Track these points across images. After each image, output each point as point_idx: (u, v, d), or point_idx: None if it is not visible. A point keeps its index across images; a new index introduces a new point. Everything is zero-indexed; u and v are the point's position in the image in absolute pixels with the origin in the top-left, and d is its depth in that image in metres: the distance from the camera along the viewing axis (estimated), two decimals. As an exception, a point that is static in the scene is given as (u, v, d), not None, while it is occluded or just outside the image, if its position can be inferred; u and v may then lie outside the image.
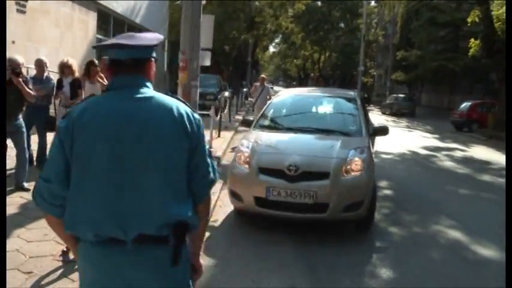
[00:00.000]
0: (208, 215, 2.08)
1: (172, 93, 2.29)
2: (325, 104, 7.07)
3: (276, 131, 6.25)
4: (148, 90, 1.88)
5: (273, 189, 5.03)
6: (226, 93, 21.75)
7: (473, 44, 18.14)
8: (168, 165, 1.78)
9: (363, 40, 41.11)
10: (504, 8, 16.85)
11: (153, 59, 1.97)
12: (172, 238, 1.77)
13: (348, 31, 51.53)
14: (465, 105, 22.63)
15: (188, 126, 1.83)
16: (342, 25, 55.07)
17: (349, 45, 51.24)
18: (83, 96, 7.35)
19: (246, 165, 5.37)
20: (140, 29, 22.47)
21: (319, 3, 53.85)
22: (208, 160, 1.92)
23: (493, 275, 4.55)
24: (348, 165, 5.18)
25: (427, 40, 32.16)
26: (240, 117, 20.24)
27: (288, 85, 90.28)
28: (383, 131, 6.69)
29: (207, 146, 1.96)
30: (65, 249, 3.96)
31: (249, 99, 21.82)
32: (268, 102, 7.11)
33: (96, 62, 8.22)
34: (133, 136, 1.76)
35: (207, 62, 10.04)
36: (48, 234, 4.41)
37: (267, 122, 6.60)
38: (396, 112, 32.35)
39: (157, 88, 1.92)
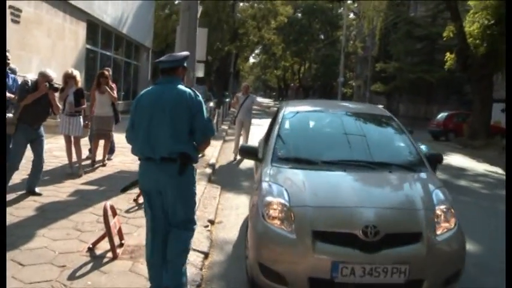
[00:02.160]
0: (204, 147, 3.79)
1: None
2: (358, 124, 5.07)
3: (309, 166, 4.23)
4: (175, 84, 3.52)
5: (343, 266, 3.37)
6: (211, 104, 22.18)
7: (449, 57, 19.00)
8: (175, 124, 3.40)
9: (343, 52, 42.07)
10: (476, 25, 17.76)
11: (180, 67, 3.63)
12: (178, 160, 3.39)
13: (328, 43, 52.60)
14: (442, 115, 23.56)
15: (191, 103, 3.43)
16: (322, 37, 56.17)
17: (329, 56, 52.28)
18: (85, 105, 7.78)
19: (288, 227, 3.58)
20: (127, 39, 22.84)
21: (299, 15, 54.88)
22: (205, 124, 3.49)
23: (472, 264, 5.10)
24: (437, 217, 3.71)
25: (404, 52, 33.26)
26: (226, 127, 20.77)
27: (268, 96, 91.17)
28: (438, 159, 5.02)
29: (206, 115, 3.53)
30: (90, 245, 4.36)
31: (232, 109, 22.14)
32: (277, 123, 4.86)
33: (106, 73, 8.69)
34: (160, 107, 3.43)
35: (201, 74, 10.54)
36: (70, 233, 4.81)
37: (289, 153, 4.52)
38: (375, 122, 33.11)
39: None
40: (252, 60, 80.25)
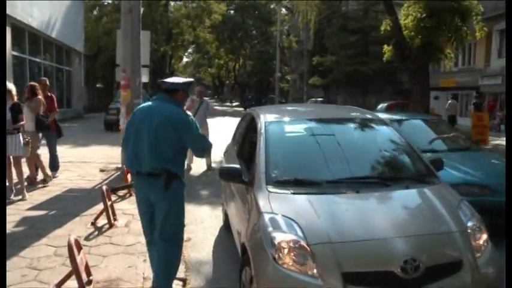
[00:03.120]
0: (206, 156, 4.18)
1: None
2: (351, 133, 4.57)
3: (313, 189, 3.53)
4: (168, 104, 3.67)
5: None
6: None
7: (387, 49, 19.34)
8: (158, 142, 3.55)
9: (278, 47, 42.32)
10: (410, 18, 18.21)
11: (180, 90, 3.76)
12: (164, 175, 3.57)
13: (262, 39, 52.67)
14: (382, 106, 24.16)
15: (176, 124, 3.57)
16: (256, 33, 56.12)
17: (264, 52, 52.40)
18: (24, 121, 7.01)
19: (309, 270, 2.92)
20: (56, 44, 21.47)
21: (232, 12, 54.51)
22: (195, 142, 3.72)
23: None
24: (472, 237, 3.22)
25: (339, 46, 33.88)
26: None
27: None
28: (439, 165, 4.29)
29: (196, 132, 3.67)
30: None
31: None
32: (261, 136, 4.08)
33: (34, 84, 7.92)
34: (146, 124, 3.60)
35: (146, 79, 9.91)
36: (26, 274, 4.24)
37: (285, 174, 3.74)
38: (315, 115, 33.56)
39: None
40: (185, 59, 79.26)
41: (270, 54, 50.10)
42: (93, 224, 5.56)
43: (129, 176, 7.42)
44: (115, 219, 5.66)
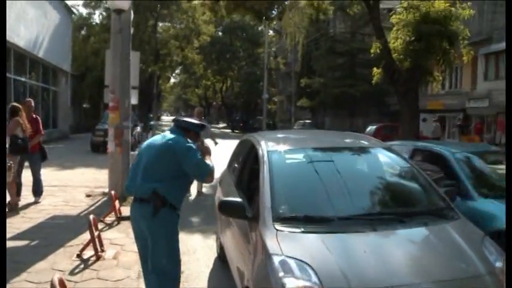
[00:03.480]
0: (210, 180, 3.80)
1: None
2: (361, 164, 4.36)
3: (324, 226, 3.19)
4: (175, 135, 3.72)
5: None
6: (138, 128, 21.08)
7: (376, 72, 19.39)
8: (154, 163, 3.60)
9: (266, 68, 42.41)
10: (399, 41, 18.35)
11: (193, 132, 3.84)
12: (152, 201, 3.51)
13: (250, 60, 52.85)
14: (371, 128, 24.15)
15: (176, 148, 3.59)
16: (243, 54, 56.31)
17: (251, 73, 52.50)
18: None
19: None
20: (43, 63, 21.13)
21: (220, 33, 54.70)
22: (195, 167, 3.60)
23: None
24: (500, 279, 2.94)
25: (327, 68, 34.04)
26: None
27: (185, 115, 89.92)
28: (453, 195, 4.28)
29: (196, 158, 3.60)
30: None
31: None
32: (264, 166, 3.73)
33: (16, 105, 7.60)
34: (149, 149, 3.73)
35: (135, 100, 9.64)
36: None
37: (293, 210, 3.39)
38: (304, 137, 33.49)
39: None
40: (172, 80, 79.24)
41: (258, 76, 50.21)
42: (78, 256, 5.18)
43: (117, 203, 7.08)
44: (102, 251, 5.32)
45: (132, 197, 3.82)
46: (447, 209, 3.60)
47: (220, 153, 9.81)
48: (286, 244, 2.94)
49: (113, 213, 6.92)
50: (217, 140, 10.32)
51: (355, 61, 33.24)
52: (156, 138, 3.83)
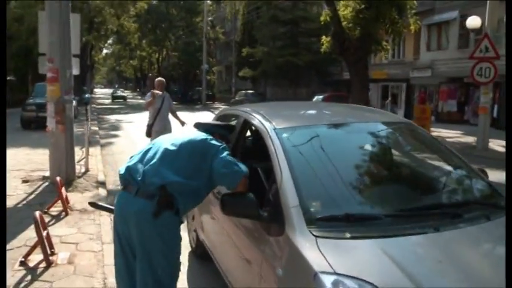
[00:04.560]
0: (240, 187, 2.79)
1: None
2: (390, 143, 3.50)
3: (373, 228, 2.40)
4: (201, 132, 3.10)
5: None
6: (74, 103, 19.43)
7: (325, 41, 19.08)
8: (178, 151, 2.86)
9: (204, 38, 40.99)
10: (349, 9, 18.07)
11: (213, 132, 3.13)
12: (157, 196, 2.70)
13: (188, 30, 50.89)
14: (317, 98, 23.81)
15: (209, 144, 2.90)
16: (180, 23, 54.15)
17: (190, 43, 50.70)
18: None
19: None
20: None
21: (154, 2, 52.14)
22: (227, 171, 2.77)
23: None
24: None
25: (269, 37, 33.26)
26: (96, 128, 18.27)
27: (124, 87, 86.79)
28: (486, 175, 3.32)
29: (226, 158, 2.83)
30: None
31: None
32: (277, 150, 2.79)
33: None
34: (170, 141, 2.98)
35: (77, 71, 8.41)
36: None
37: (329, 207, 2.58)
38: (247, 108, 32.86)
39: None
40: (105, 50, 75.69)
41: (196, 46, 48.54)
42: (23, 263, 4.12)
43: (63, 190, 6.04)
44: (53, 253, 4.32)
45: (123, 185, 2.90)
46: (495, 195, 2.91)
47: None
48: (335, 256, 2.13)
49: (60, 202, 5.88)
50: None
51: (298, 30, 32.69)
52: (180, 133, 3.19)
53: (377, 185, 2.77)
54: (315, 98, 24.07)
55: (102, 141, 14.34)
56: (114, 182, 8.44)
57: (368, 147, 3.08)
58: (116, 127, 19.93)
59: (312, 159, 2.78)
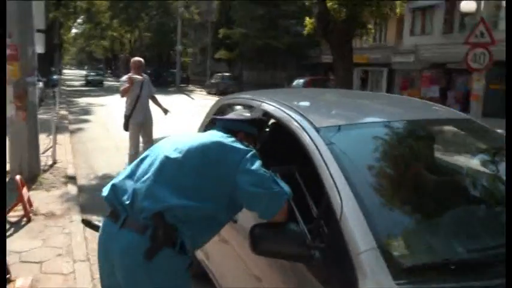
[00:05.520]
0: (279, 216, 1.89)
1: None
2: (464, 148, 2.72)
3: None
4: (216, 131, 2.19)
5: None
6: (41, 84, 18.16)
7: (309, 22, 18.42)
8: (179, 166, 2.00)
9: (179, 18, 39.61)
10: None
11: (236, 129, 2.23)
12: (150, 228, 1.87)
13: (162, 10, 49.12)
14: (297, 82, 23.06)
15: (228, 153, 1.98)
16: (154, 2, 52.31)
17: (164, 24, 49.03)
18: None
19: None
20: None
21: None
22: (261, 191, 1.88)
23: None
24: None
25: (247, 18, 32.17)
26: (65, 112, 17.04)
27: (95, 68, 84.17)
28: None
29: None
30: None
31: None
32: (330, 169, 1.89)
33: None
34: (173, 145, 2.08)
35: (42, 48, 7.38)
36: None
37: (416, 252, 1.73)
38: (223, 91, 31.90)
39: None
40: (74, 30, 73.08)
41: (170, 27, 46.94)
42: None
43: (24, 190, 5.10)
44: (9, 280, 3.42)
45: (110, 211, 2.04)
46: None
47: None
48: None
49: (20, 205, 4.95)
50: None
51: (278, 12, 31.69)
52: (188, 134, 2.24)
53: (463, 211, 1.96)
54: (295, 82, 23.33)
55: (72, 127, 13.24)
56: (86, 176, 7.53)
57: (440, 154, 2.24)
58: (86, 111, 18.69)
59: (380, 175, 1.94)
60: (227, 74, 34.99)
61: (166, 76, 44.61)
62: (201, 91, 37.00)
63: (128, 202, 1.93)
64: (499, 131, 2.59)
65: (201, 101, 26.50)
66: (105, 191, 2.06)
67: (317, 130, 2.12)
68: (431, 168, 2.16)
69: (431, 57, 22.24)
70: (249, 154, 1.97)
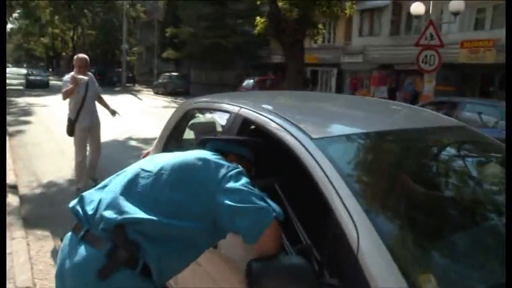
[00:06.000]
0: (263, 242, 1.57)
1: None
2: (468, 158, 2.31)
3: None
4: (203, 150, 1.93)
5: None
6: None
7: (260, 21, 18.29)
8: (154, 181, 1.79)
9: (125, 16, 38.47)
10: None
11: (226, 151, 1.99)
12: (109, 243, 1.60)
13: (106, 7, 47.52)
14: (248, 82, 22.86)
15: (210, 169, 1.73)
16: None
17: (108, 21, 47.50)
18: None
19: None
20: None
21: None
22: (243, 211, 1.58)
23: None
24: None
25: (195, 17, 31.64)
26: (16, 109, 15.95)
27: (33, 66, 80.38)
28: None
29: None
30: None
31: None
32: (335, 184, 1.57)
33: None
34: (153, 163, 1.85)
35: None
36: None
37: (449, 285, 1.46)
38: (171, 91, 31.33)
39: None
40: (10, 25, 69.53)
41: (115, 25, 45.55)
42: None
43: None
44: None
45: (75, 223, 1.75)
46: None
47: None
48: None
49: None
50: None
51: (226, 11, 31.36)
52: (173, 152, 1.94)
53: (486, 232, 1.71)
54: (245, 83, 23.09)
55: (11, 129, 12.32)
56: (28, 184, 6.88)
57: (449, 166, 1.99)
58: (27, 112, 17.56)
59: (395, 197, 1.63)
60: (175, 73, 34.29)
61: (112, 76, 43.20)
62: (148, 91, 36.12)
63: (91, 212, 1.69)
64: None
65: (149, 101, 25.76)
66: (72, 202, 1.81)
67: (314, 140, 1.79)
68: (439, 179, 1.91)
69: (379, 58, 22.65)
70: (234, 171, 1.72)
